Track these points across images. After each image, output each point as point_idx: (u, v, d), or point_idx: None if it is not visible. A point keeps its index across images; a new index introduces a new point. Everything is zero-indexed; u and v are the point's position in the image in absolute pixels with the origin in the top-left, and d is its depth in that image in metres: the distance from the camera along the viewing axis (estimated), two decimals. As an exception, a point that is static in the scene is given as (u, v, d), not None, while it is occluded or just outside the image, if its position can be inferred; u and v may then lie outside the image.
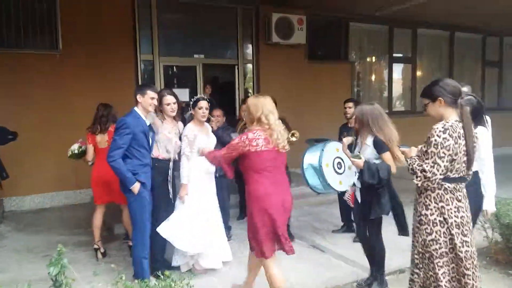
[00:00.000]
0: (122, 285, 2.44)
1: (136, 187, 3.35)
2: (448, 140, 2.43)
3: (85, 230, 4.95)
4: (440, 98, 2.55)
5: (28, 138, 5.78)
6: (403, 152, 2.74)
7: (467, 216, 2.55)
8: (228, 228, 4.80)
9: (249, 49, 7.96)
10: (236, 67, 7.85)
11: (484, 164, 3.24)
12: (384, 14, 8.35)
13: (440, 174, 2.45)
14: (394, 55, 9.72)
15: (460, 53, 10.65)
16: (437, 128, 2.47)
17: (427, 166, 2.46)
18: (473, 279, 2.53)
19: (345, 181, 3.94)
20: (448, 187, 2.51)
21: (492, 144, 3.44)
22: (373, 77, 9.79)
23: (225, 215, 4.73)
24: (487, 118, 3.57)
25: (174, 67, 7.78)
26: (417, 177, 2.51)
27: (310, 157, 4.16)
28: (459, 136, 2.47)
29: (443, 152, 2.43)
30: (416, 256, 2.65)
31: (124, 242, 4.59)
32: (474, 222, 3.59)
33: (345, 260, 4.13)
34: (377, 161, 3.30)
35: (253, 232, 2.95)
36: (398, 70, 10.12)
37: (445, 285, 2.53)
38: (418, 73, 10.17)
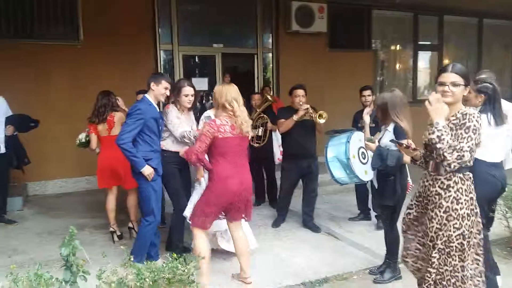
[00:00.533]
0: (130, 266, 2.49)
1: (146, 170, 3.37)
2: (481, 127, 2.34)
3: (104, 214, 5.04)
4: (470, 87, 2.46)
5: (51, 126, 5.96)
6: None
7: None
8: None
9: (268, 38, 7.90)
10: (256, 56, 7.80)
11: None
12: (408, 1, 8.12)
13: (468, 161, 2.31)
14: (420, 42, 9.43)
15: (489, 40, 10.24)
16: (473, 113, 2.33)
17: (465, 149, 2.26)
18: (481, 266, 2.47)
19: (370, 170, 3.90)
20: (471, 177, 2.41)
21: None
22: (397, 66, 9.56)
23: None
24: (509, 107, 3.38)
25: (194, 57, 7.81)
26: (450, 153, 2.24)
27: (335, 149, 4.16)
28: None
29: (478, 139, 2.32)
30: (435, 255, 2.42)
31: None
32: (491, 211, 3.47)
33: (359, 248, 4.07)
34: (395, 148, 3.24)
35: (205, 204, 3.18)
36: (423, 58, 9.83)
37: (462, 276, 2.40)
38: (445, 61, 9.85)
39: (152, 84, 3.50)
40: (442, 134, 2.25)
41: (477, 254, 2.45)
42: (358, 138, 4.11)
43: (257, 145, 5.23)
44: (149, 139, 3.45)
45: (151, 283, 2.29)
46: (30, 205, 5.78)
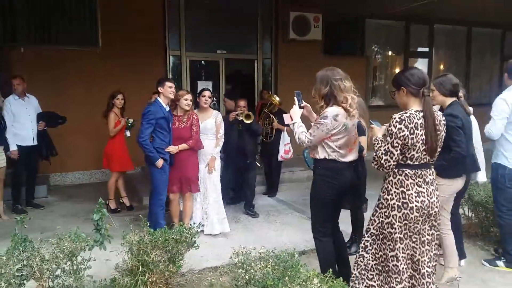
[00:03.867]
0: (146, 230, 3.19)
1: (160, 163, 4.18)
2: (403, 131, 2.49)
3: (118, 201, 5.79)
4: (403, 87, 2.62)
5: (70, 124, 6.64)
6: (372, 129, 2.85)
7: (428, 200, 2.58)
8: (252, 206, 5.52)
9: (268, 45, 8.58)
10: (256, 61, 8.51)
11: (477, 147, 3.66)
12: (400, 11, 8.68)
13: (394, 161, 2.55)
14: (411, 50, 10.01)
15: (478, 48, 10.81)
16: (395, 118, 2.53)
17: (379, 152, 2.59)
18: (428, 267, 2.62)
19: None
20: (409, 173, 2.57)
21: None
22: (389, 72, 10.18)
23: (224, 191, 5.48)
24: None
25: (200, 62, 8.53)
26: (374, 160, 2.63)
27: None
28: (416, 127, 2.51)
29: (397, 142, 2.51)
30: (368, 239, 2.73)
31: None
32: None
33: (336, 230, 4.75)
34: None
35: None
36: (414, 64, 10.40)
37: (393, 266, 2.59)
38: (435, 68, 10.44)
39: (159, 88, 4.26)
40: (376, 147, 2.66)
41: (431, 250, 2.62)
42: None
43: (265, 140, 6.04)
44: (161, 135, 4.22)
45: (163, 241, 3.00)
46: (53, 193, 6.51)
